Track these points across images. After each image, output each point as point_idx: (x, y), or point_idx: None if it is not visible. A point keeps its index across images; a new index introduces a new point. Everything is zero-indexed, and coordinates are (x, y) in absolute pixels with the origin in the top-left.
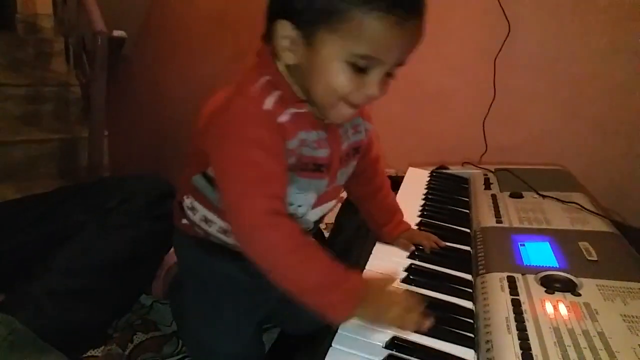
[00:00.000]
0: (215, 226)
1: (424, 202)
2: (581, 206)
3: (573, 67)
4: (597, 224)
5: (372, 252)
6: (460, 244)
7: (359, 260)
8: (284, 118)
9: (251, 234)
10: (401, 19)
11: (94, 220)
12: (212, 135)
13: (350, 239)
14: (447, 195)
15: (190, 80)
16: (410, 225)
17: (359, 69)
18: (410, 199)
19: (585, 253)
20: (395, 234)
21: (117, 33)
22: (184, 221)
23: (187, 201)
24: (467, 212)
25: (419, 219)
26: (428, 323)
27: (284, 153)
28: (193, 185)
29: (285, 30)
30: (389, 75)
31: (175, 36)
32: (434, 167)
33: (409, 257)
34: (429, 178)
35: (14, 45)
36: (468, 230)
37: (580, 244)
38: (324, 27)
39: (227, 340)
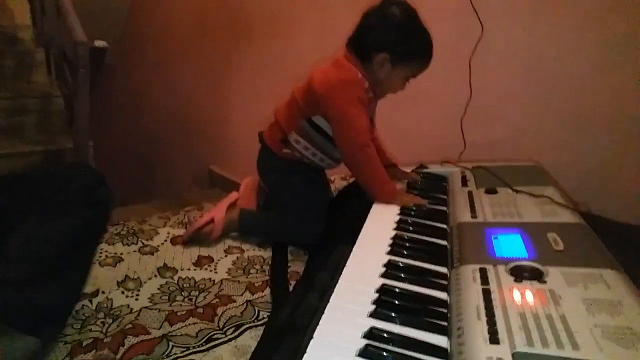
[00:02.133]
0: (310, 151)
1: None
2: (552, 199)
3: (544, 64)
4: (565, 216)
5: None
6: (438, 239)
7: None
8: (370, 94)
9: (360, 151)
10: (426, 59)
11: (34, 210)
12: (334, 96)
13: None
14: (426, 194)
15: (172, 85)
16: (394, 159)
17: (407, 80)
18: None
19: (552, 243)
20: (403, 172)
21: (98, 43)
22: (286, 150)
23: (293, 137)
24: (444, 210)
25: (399, 216)
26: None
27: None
28: (300, 127)
29: (385, 59)
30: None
31: (156, 43)
32: (413, 167)
33: (388, 253)
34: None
35: None
36: (445, 227)
37: (548, 234)
38: (405, 62)
39: (320, 216)
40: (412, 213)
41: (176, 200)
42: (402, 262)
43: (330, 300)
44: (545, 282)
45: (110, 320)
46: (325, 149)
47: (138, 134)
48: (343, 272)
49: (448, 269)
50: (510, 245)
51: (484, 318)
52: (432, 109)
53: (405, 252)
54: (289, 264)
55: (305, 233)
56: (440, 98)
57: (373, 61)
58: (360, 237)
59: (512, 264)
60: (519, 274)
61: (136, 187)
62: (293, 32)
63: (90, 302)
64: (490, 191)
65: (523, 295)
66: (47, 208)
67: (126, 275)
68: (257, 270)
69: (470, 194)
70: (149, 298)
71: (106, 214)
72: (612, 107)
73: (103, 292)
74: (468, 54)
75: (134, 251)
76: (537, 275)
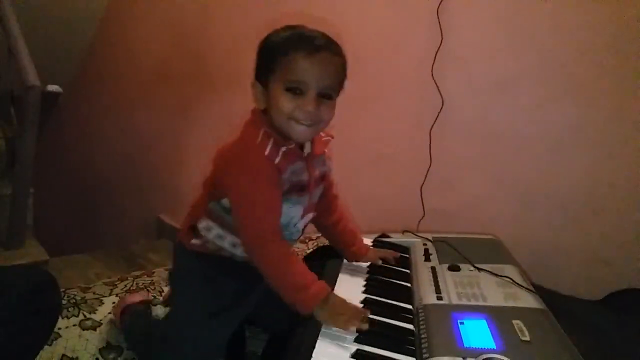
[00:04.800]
0: (227, 241)
1: (367, 275)
2: (513, 281)
3: (502, 136)
4: (527, 300)
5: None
6: (404, 322)
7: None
8: (278, 159)
9: (260, 246)
10: (307, 52)
11: None
12: (230, 174)
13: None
14: (389, 267)
15: (126, 131)
16: (365, 247)
17: (296, 93)
18: (355, 271)
19: (519, 333)
20: (363, 252)
21: (51, 88)
22: (195, 241)
23: (203, 223)
24: (409, 286)
25: (364, 295)
26: (365, 327)
27: (280, 184)
28: (210, 210)
29: (256, 87)
30: (323, 96)
31: (113, 87)
32: (375, 235)
33: (355, 340)
34: (372, 246)
35: None
36: (410, 307)
37: (514, 322)
38: (269, 74)
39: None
40: (377, 288)
41: (121, 252)
42: (371, 353)
43: None
44: None
45: None
46: None
47: (86, 178)
48: None
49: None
50: (478, 334)
51: None
52: (392, 174)
53: (373, 340)
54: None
55: None
56: (401, 165)
57: (254, 98)
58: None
59: (482, 357)
60: None
61: (79, 235)
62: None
63: None
64: (453, 268)
65: None
66: None
67: (63, 355)
68: None
69: (433, 270)
70: None
71: (52, 321)
72: (565, 182)
73: None
74: (429, 124)
75: (74, 325)
76: None
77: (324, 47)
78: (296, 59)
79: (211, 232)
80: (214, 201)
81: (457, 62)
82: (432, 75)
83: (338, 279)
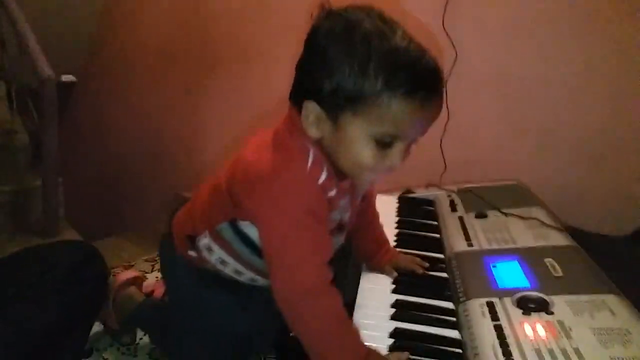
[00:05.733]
0: (230, 267)
1: (397, 230)
2: (541, 221)
3: (519, 84)
4: (557, 239)
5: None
6: (438, 271)
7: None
8: (333, 193)
9: (305, 298)
10: (423, 99)
11: (18, 293)
12: (263, 199)
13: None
14: (417, 221)
15: (139, 114)
16: (394, 252)
17: (384, 144)
18: (384, 229)
19: (551, 269)
20: (382, 264)
21: (66, 78)
22: (192, 253)
23: (204, 241)
24: (438, 237)
25: (396, 249)
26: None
27: (328, 221)
28: (217, 232)
29: (312, 110)
30: (410, 144)
31: (122, 73)
32: (400, 192)
33: (393, 291)
34: (397, 204)
35: None
36: (442, 257)
37: (545, 260)
38: (349, 109)
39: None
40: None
41: (147, 232)
42: (409, 301)
43: None
44: (552, 312)
45: None
46: (257, 266)
47: (104, 164)
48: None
49: (454, 304)
50: (511, 274)
51: (501, 357)
52: None
53: (410, 289)
54: None
55: None
56: None
57: (302, 118)
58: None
59: (518, 295)
60: (526, 305)
61: (106, 219)
62: (264, 61)
63: None
64: (480, 215)
65: (535, 330)
66: (34, 289)
67: None
68: None
69: (461, 219)
70: (147, 354)
71: (100, 289)
72: (584, 123)
73: (97, 350)
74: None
75: None
76: (543, 306)
77: (440, 87)
78: (404, 108)
79: (212, 254)
80: (226, 222)
81: (468, 12)
82: (444, 27)
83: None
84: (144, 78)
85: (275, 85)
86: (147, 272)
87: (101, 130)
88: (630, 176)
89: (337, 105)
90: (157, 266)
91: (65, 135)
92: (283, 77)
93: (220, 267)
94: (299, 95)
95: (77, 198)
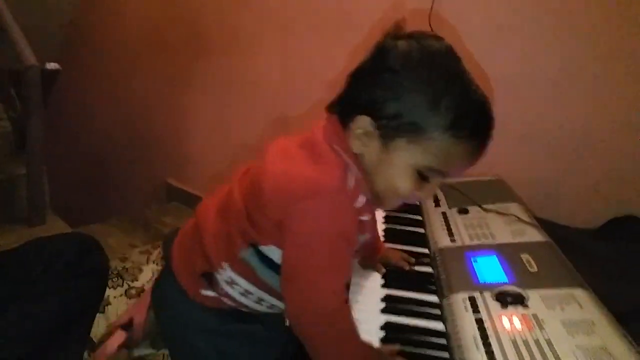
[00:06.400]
0: (253, 297)
1: (384, 226)
2: (518, 217)
3: (502, 79)
4: (533, 235)
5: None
6: (423, 266)
7: None
8: (365, 217)
9: (321, 324)
10: (479, 145)
11: (21, 290)
12: (297, 211)
13: None
14: (402, 216)
15: (123, 100)
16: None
17: (423, 177)
18: None
19: (527, 265)
20: (375, 262)
21: (50, 66)
22: (207, 292)
23: (225, 274)
24: (423, 232)
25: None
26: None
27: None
28: (240, 260)
29: (364, 125)
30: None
31: (108, 58)
32: None
33: (383, 286)
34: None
35: None
36: (427, 252)
37: (522, 256)
38: (405, 136)
39: None
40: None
41: (135, 218)
42: (397, 295)
43: None
44: (527, 306)
45: None
46: (278, 290)
47: (90, 152)
48: None
49: (439, 297)
50: (490, 270)
51: (482, 348)
52: None
53: (398, 283)
54: None
55: None
56: None
57: (350, 130)
58: None
59: (497, 290)
60: (504, 299)
61: (91, 206)
62: (253, 49)
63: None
64: (462, 211)
65: (512, 322)
66: (37, 285)
67: None
68: None
69: (444, 215)
70: None
71: (101, 282)
72: (563, 121)
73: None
74: None
75: (121, 295)
76: (520, 300)
77: (491, 137)
78: (461, 150)
79: (235, 288)
80: (251, 248)
81: (454, 11)
82: (430, 25)
83: None
84: (129, 64)
85: (262, 74)
86: (142, 265)
87: (87, 117)
88: (603, 174)
89: (395, 129)
90: (152, 258)
91: (50, 123)
92: (269, 66)
93: (241, 299)
94: (350, 107)
95: (61, 186)
